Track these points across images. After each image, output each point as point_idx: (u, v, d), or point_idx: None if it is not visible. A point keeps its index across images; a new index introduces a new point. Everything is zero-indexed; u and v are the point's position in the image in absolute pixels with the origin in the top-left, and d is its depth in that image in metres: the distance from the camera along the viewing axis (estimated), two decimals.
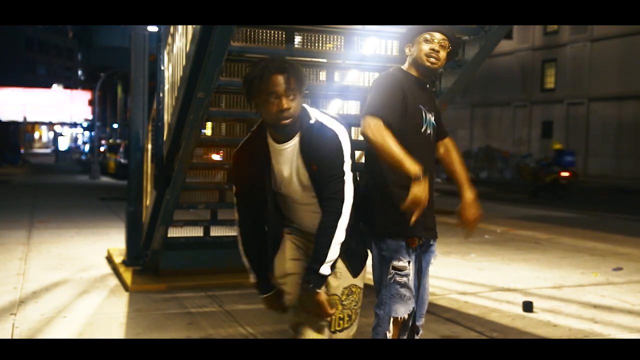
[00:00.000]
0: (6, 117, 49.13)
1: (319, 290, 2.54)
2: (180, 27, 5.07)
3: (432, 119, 3.08)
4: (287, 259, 2.75)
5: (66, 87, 62.57)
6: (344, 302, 2.69)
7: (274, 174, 2.67)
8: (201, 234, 6.61)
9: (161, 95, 6.00)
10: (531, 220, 12.49)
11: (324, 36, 4.85)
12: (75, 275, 6.65)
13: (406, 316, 2.98)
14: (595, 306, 5.68)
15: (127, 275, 6.39)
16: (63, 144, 56.86)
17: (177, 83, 5.11)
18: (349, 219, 2.55)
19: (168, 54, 5.81)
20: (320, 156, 2.54)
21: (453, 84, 4.91)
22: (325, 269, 2.52)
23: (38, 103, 49.30)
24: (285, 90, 2.48)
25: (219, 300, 5.68)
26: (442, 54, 3.02)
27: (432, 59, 3.00)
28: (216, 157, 6.49)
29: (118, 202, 13.32)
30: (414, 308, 3.00)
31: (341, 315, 2.68)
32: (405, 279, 2.95)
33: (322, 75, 5.42)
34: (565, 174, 17.67)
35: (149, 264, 6.50)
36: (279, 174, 2.66)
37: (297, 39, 4.83)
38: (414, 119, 2.98)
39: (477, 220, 3.06)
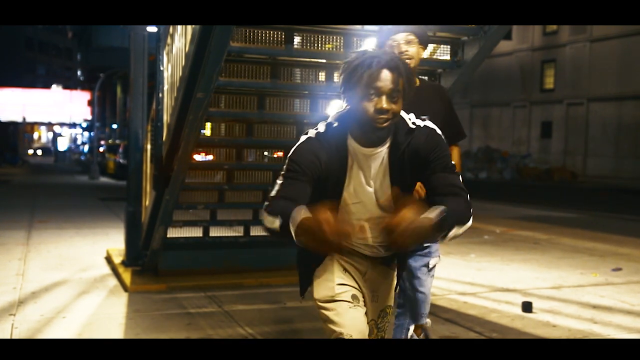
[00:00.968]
0: (5, 117, 49.13)
1: (431, 228, 2.08)
2: (179, 27, 5.07)
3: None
4: (335, 283, 2.41)
5: (65, 87, 62.63)
6: (379, 325, 2.57)
7: (350, 181, 2.32)
8: (200, 235, 6.61)
9: (160, 95, 6.00)
10: (530, 220, 12.49)
11: (324, 36, 4.85)
12: (75, 276, 6.65)
13: None
14: (595, 306, 5.68)
15: (127, 276, 6.39)
16: (62, 144, 56.86)
17: (177, 83, 5.11)
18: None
19: (167, 54, 5.81)
20: (438, 155, 2.28)
21: (452, 84, 4.92)
22: (451, 232, 2.18)
23: (37, 103, 49.26)
24: (391, 90, 2.18)
25: (218, 300, 5.68)
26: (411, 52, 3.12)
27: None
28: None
29: (117, 203, 13.33)
30: None
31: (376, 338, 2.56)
32: None
33: (322, 76, 5.42)
34: None
35: (148, 264, 6.50)
36: (356, 180, 2.32)
37: (297, 39, 4.83)
38: None
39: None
